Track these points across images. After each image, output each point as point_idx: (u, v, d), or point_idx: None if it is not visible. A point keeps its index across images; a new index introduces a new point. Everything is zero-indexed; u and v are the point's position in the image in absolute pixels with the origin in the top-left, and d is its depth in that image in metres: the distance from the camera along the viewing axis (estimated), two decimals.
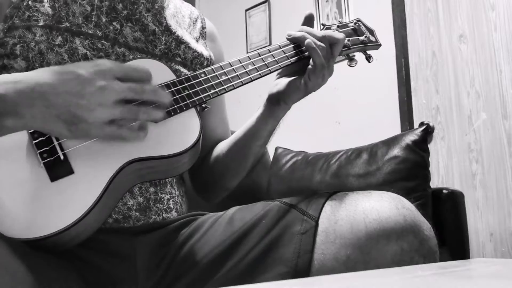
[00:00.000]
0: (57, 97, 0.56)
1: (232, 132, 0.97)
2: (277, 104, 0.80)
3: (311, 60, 0.76)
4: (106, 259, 0.68)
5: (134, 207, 0.72)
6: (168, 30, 0.84)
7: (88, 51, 0.74)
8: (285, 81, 0.79)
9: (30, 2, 0.73)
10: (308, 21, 0.80)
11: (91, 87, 0.58)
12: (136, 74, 0.63)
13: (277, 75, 0.83)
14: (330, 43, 0.76)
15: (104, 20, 0.77)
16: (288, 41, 0.80)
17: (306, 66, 0.78)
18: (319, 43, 0.75)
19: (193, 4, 3.10)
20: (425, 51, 2.13)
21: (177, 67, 0.82)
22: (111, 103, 0.58)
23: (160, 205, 0.76)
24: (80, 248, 0.65)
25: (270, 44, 2.77)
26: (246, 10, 2.95)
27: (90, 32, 0.75)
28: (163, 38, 0.82)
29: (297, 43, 0.79)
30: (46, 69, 0.59)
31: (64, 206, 0.59)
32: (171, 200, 0.78)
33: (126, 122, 0.61)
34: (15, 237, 0.56)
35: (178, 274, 0.67)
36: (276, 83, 0.81)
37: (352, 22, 0.88)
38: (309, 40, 0.76)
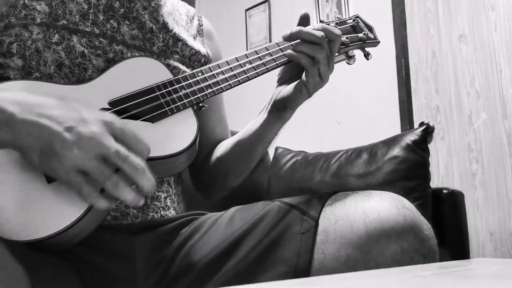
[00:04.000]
0: (52, 124, 0.55)
1: (232, 132, 0.97)
2: (283, 110, 0.80)
3: None
4: (105, 258, 0.68)
5: (131, 205, 0.72)
6: (165, 27, 0.84)
7: (85, 49, 0.74)
8: (288, 87, 0.79)
9: (26, 1, 0.72)
10: (304, 21, 0.80)
11: (84, 128, 0.55)
12: (134, 143, 0.58)
13: (278, 81, 0.82)
14: (328, 39, 0.75)
15: (101, 18, 0.77)
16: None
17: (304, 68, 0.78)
18: (309, 46, 0.74)
19: (193, 4, 3.10)
20: (425, 51, 2.13)
21: (175, 64, 0.82)
22: (92, 153, 0.54)
23: (157, 202, 0.76)
24: (79, 247, 0.64)
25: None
26: (246, 10, 2.95)
27: (87, 30, 0.75)
28: (161, 36, 0.82)
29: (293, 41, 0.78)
30: (56, 95, 0.58)
31: (62, 207, 0.58)
32: (168, 198, 0.78)
33: (94, 180, 0.55)
34: (12, 239, 0.55)
35: (178, 274, 0.67)
36: (280, 90, 0.80)
37: (350, 19, 0.87)
38: (288, 50, 0.76)
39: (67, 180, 0.55)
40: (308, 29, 0.75)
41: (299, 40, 0.75)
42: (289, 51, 0.76)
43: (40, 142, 0.54)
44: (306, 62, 0.74)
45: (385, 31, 2.20)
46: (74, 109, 0.57)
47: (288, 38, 0.77)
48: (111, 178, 0.55)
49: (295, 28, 0.76)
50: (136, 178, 0.56)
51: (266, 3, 2.83)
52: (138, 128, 0.64)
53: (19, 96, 0.56)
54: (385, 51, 2.17)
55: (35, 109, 0.55)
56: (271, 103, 0.81)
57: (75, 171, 0.54)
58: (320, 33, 0.74)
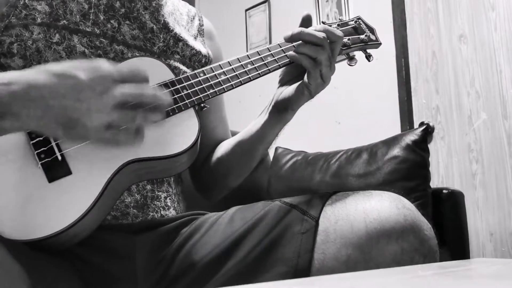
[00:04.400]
0: (54, 100, 0.55)
1: (233, 133, 0.97)
2: (284, 111, 0.80)
3: None
4: (106, 258, 0.68)
5: (132, 204, 0.72)
6: (166, 27, 0.84)
7: (86, 49, 0.74)
8: (289, 88, 0.79)
9: (27, 1, 0.72)
10: (306, 22, 0.79)
11: (89, 92, 0.56)
12: (134, 77, 0.61)
13: (279, 82, 0.82)
14: (330, 41, 0.75)
15: (102, 18, 0.77)
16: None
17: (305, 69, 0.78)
18: (311, 47, 0.74)
19: (193, 4, 3.10)
20: (425, 51, 2.13)
21: (176, 64, 0.82)
22: (109, 108, 0.57)
23: (158, 202, 0.76)
24: (80, 247, 0.64)
25: (270, 44, 2.76)
26: (246, 10, 2.94)
27: (88, 30, 0.75)
28: (161, 36, 0.82)
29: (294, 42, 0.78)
30: (42, 70, 0.58)
31: (62, 207, 0.58)
32: (168, 198, 0.78)
33: (124, 126, 0.60)
34: (13, 239, 0.55)
35: (178, 274, 0.67)
36: (281, 91, 0.80)
37: (352, 20, 0.86)
38: (290, 52, 0.76)
39: (101, 139, 0.59)
40: (309, 30, 0.75)
41: (300, 41, 0.75)
42: (291, 52, 0.75)
43: (58, 120, 0.56)
44: (307, 63, 0.74)
45: (385, 31, 2.20)
46: (69, 76, 0.57)
47: (290, 39, 0.77)
48: (136, 116, 0.59)
49: (296, 29, 0.76)
50: (158, 101, 0.61)
51: (266, 3, 2.83)
52: None
53: (5, 80, 0.56)
54: (385, 51, 2.16)
55: (31, 93, 0.55)
56: (272, 104, 0.81)
57: (103, 128, 0.57)
58: (321, 34, 0.74)
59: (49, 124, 0.56)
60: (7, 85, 0.55)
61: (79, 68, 0.58)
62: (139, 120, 0.60)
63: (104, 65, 0.60)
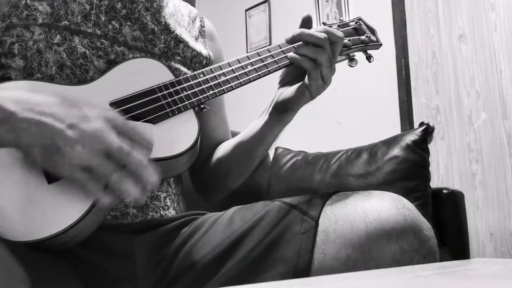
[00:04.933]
0: (54, 121, 0.55)
1: (233, 133, 0.97)
2: (284, 112, 0.80)
3: None
4: (105, 258, 0.68)
5: (131, 204, 0.72)
6: (167, 29, 0.84)
7: (87, 50, 0.74)
8: (290, 89, 0.79)
9: (28, 1, 0.72)
10: (306, 23, 0.79)
11: (86, 125, 0.55)
12: (137, 137, 0.57)
13: (280, 83, 0.82)
14: (330, 42, 0.75)
15: (103, 19, 0.77)
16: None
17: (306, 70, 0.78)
18: (311, 49, 0.74)
19: (193, 4, 3.10)
20: (425, 51, 2.13)
21: (177, 65, 0.82)
22: (95, 149, 0.54)
23: (157, 202, 0.76)
24: (79, 247, 0.64)
25: (270, 44, 2.76)
26: (246, 10, 2.95)
27: (89, 31, 0.75)
28: (162, 37, 0.82)
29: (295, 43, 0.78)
30: (57, 94, 0.58)
31: (62, 208, 0.58)
32: (167, 198, 0.78)
33: (98, 176, 0.55)
34: (12, 240, 0.56)
35: (178, 274, 0.67)
36: (281, 91, 0.80)
37: (353, 21, 0.87)
38: (290, 53, 0.75)
39: (71, 177, 0.56)
40: (310, 31, 0.75)
41: (301, 42, 0.75)
42: (291, 54, 0.75)
43: (43, 140, 0.54)
44: (308, 65, 0.74)
45: (385, 31, 2.20)
46: (76, 106, 0.57)
47: (291, 40, 0.77)
48: (114, 173, 0.54)
49: (297, 30, 0.76)
50: (140, 173, 0.55)
51: (266, 3, 2.83)
52: None
53: (20, 94, 0.56)
54: (385, 51, 2.16)
55: (36, 107, 0.55)
56: (272, 105, 0.81)
57: (79, 167, 0.54)
58: (322, 35, 0.74)
59: (33, 142, 0.55)
60: (21, 99, 0.55)
61: (88, 104, 0.58)
62: (112, 180, 0.54)
63: (114, 113, 0.59)
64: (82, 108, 0.57)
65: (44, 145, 0.54)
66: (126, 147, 0.55)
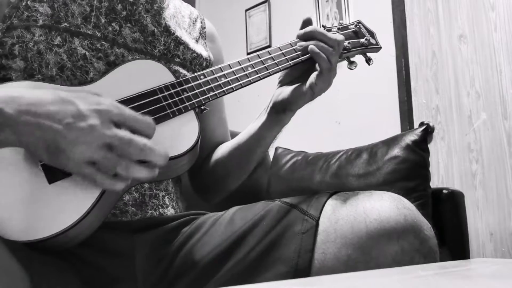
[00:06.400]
0: (51, 122, 0.55)
1: (232, 133, 0.97)
2: (282, 112, 0.80)
3: (317, 65, 0.76)
4: (105, 258, 0.68)
5: (130, 202, 0.72)
6: (167, 31, 0.84)
7: (87, 52, 0.74)
8: (289, 89, 0.79)
9: (29, 2, 0.73)
10: (306, 25, 0.80)
11: (82, 123, 0.55)
12: (135, 124, 0.58)
13: (279, 83, 0.82)
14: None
15: (103, 20, 0.77)
16: (288, 44, 0.80)
17: (308, 70, 0.78)
18: (326, 46, 0.75)
19: (193, 4, 3.10)
20: (425, 51, 2.13)
21: (176, 67, 0.82)
22: (96, 144, 0.55)
23: (156, 200, 0.76)
24: (79, 247, 0.64)
25: (270, 44, 2.77)
26: (246, 10, 2.95)
27: (89, 32, 0.75)
28: (162, 39, 0.82)
29: (307, 40, 0.78)
30: (51, 91, 0.58)
31: (62, 208, 0.59)
32: (166, 197, 0.78)
33: (104, 168, 0.57)
34: (13, 239, 0.56)
35: (178, 274, 0.67)
36: (280, 91, 0.80)
37: (352, 24, 0.87)
38: (312, 45, 0.76)
39: (79, 173, 0.57)
40: (323, 30, 0.77)
41: (316, 40, 0.76)
42: (312, 46, 0.75)
43: (45, 141, 0.55)
44: (324, 64, 0.74)
45: (385, 31, 2.20)
46: (70, 103, 0.57)
47: (303, 36, 0.78)
48: (120, 163, 0.56)
49: (309, 27, 0.77)
50: (145, 155, 0.57)
51: (266, 3, 2.83)
52: None
53: (15, 93, 0.56)
54: (385, 51, 2.16)
55: (32, 109, 0.55)
56: (271, 105, 0.81)
57: (85, 163, 0.56)
58: (333, 36, 0.75)
59: (36, 143, 0.55)
60: (15, 98, 0.55)
61: (81, 98, 0.58)
62: (119, 169, 0.56)
63: (106, 101, 0.59)
64: (76, 103, 0.57)
65: (48, 146, 0.55)
66: (125, 136, 0.56)
